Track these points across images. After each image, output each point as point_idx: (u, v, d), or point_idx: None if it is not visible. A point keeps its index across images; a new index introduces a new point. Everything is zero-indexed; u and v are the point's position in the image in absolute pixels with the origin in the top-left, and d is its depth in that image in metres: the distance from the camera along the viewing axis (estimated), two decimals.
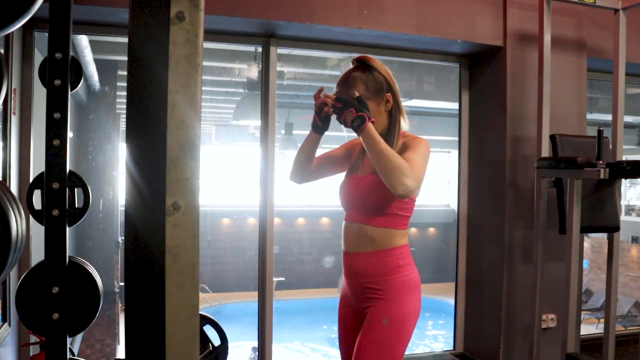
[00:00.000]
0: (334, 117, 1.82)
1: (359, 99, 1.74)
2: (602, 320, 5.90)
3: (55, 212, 1.03)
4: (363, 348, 1.74)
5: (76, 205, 1.08)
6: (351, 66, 1.85)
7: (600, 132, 2.71)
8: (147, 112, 0.75)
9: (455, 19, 3.19)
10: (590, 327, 7.82)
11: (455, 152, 3.78)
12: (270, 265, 3.18)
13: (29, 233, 2.83)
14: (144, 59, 0.75)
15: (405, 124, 1.86)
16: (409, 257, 1.86)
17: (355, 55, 1.87)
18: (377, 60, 1.83)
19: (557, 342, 3.14)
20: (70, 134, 1.06)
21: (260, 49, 3.24)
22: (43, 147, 1.04)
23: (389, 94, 1.80)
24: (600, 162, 2.67)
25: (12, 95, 2.68)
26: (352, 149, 2.00)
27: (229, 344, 1.94)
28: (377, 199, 1.78)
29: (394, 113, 1.82)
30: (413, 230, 11.64)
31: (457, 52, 3.52)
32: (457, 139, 3.68)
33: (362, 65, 1.81)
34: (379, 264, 1.80)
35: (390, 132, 1.82)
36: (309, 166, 1.97)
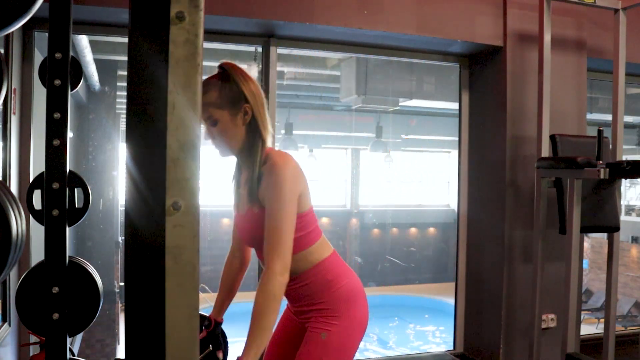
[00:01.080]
0: None
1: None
2: (602, 320, 5.90)
3: (55, 212, 1.03)
4: None
5: (76, 205, 1.08)
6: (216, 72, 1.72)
7: (600, 132, 2.71)
8: (147, 112, 0.75)
9: (455, 19, 3.19)
10: (590, 327, 7.82)
11: (455, 152, 3.79)
12: None
13: (29, 233, 2.83)
14: (144, 59, 0.75)
15: (270, 140, 1.70)
16: (338, 267, 1.75)
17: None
18: (243, 70, 1.68)
19: (557, 342, 3.14)
20: (70, 134, 1.06)
21: (260, 49, 3.24)
22: (43, 147, 1.05)
23: (247, 105, 1.64)
24: (600, 162, 2.67)
25: (12, 95, 2.68)
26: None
27: (229, 344, 1.95)
28: (263, 232, 1.63)
29: (254, 127, 1.65)
30: (413, 230, 11.64)
31: (457, 52, 3.52)
32: (457, 139, 3.68)
33: (221, 71, 1.69)
34: (306, 286, 1.72)
35: (251, 149, 1.66)
36: (243, 257, 1.93)
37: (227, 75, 1.65)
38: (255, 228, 1.67)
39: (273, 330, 1.55)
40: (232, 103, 1.63)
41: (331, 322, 1.69)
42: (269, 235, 1.56)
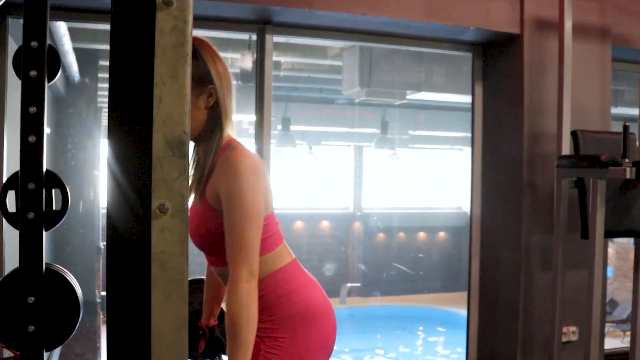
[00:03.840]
0: None
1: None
2: (628, 333, 5.89)
3: (31, 215, 1.03)
4: None
5: (54, 208, 1.08)
6: None
7: (626, 127, 2.71)
8: (131, 105, 0.75)
9: (468, 4, 3.19)
10: (615, 341, 7.82)
11: (467, 150, 3.79)
12: None
13: (2, 238, 2.82)
14: (127, 47, 0.75)
15: (231, 131, 1.64)
16: (294, 279, 1.66)
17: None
18: (213, 48, 1.64)
19: (579, 356, 3.14)
20: (47, 130, 1.06)
21: (254, 37, 3.24)
22: (17, 144, 1.04)
23: (212, 86, 1.59)
24: (626, 160, 2.67)
25: None
26: None
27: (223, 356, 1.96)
28: (206, 235, 1.58)
29: (216, 112, 1.60)
30: (421, 234, 11.65)
31: (470, 41, 3.52)
32: (469, 135, 3.68)
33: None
34: (258, 299, 1.59)
35: (208, 137, 1.59)
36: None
37: (194, 52, 1.57)
38: (198, 226, 1.60)
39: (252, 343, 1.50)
40: (197, 82, 1.56)
41: (280, 345, 1.60)
42: (231, 237, 1.49)
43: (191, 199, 1.62)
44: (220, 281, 1.73)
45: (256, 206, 1.51)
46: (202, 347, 1.90)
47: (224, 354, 1.87)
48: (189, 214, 1.62)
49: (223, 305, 1.95)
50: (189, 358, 1.97)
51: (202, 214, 1.58)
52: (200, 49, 1.60)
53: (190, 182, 1.65)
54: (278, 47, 5.72)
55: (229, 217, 1.50)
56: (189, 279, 2.01)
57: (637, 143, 3.15)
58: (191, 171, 1.65)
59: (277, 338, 1.61)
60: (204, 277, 1.96)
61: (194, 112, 1.56)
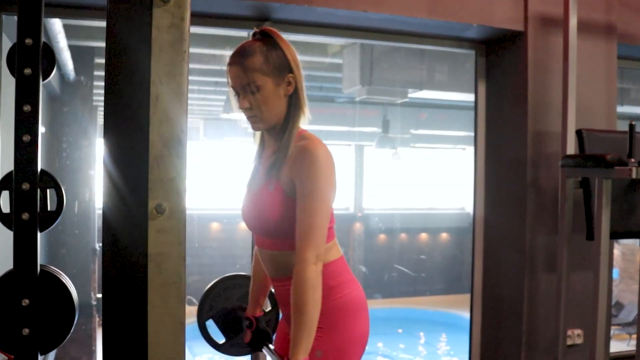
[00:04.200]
0: None
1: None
2: (634, 336, 5.89)
3: (25, 216, 1.03)
4: None
5: (48, 208, 1.08)
6: (251, 38, 1.75)
7: (632, 126, 2.71)
8: (127, 104, 0.75)
9: (471, 1, 3.19)
10: (621, 344, 7.81)
11: (470, 149, 3.78)
12: None
13: None
14: (124, 45, 0.75)
15: (305, 119, 1.73)
16: (344, 274, 1.73)
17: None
18: (285, 39, 1.72)
19: None
20: (42, 129, 1.06)
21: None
22: (11, 143, 1.04)
23: (291, 75, 1.68)
24: (633, 159, 2.67)
25: None
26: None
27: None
28: (271, 217, 1.65)
29: (296, 100, 1.70)
30: (423, 235, 11.64)
31: (473, 38, 3.52)
32: (472, 134, 3.68)
33: (265, 37, 1.71)
34: None
35: (287, 126, 1.69)
36: None
37: (274, 42, 1.69)
38: (264, 208, 1.68)
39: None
40: (278, 71, 1.66)
41: (327, 338, 1.65)
42: (302, 221, 1.58)
43: (257, 183, 1.73)
44: (268, 268, 1.78)
45: (328, 194, 1.62)
46: (248, 338, 1.96)
47: (270, 343, 1.93)
48: (256, 196, 1.70)
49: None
50: (234, 348, 2.07)
51: (272, 197, 1.65)
52: (276, 39, 1.69)
53: (254, 166, 1.79)
54: None
55: (303, 201, 1.59)
56: (227, 275, 2.06)
57: None
58: (261, 160, 1.77)
59: (321, 329, 1.63)
60: (239, 273, 2.07)
61: (275, 100, 1.67)
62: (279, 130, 1.70)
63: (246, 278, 2.07)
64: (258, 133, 1.79)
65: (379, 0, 3.02)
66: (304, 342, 1.53)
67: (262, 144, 1.80)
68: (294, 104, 1.70)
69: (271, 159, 1.69)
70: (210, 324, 2.08)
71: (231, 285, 2.06)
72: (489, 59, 3.59)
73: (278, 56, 1.67)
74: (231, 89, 1.72)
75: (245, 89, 1.66)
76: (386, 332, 8.81)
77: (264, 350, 1.93)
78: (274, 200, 1.65)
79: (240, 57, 1.68)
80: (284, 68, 1.67)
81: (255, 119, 1.69)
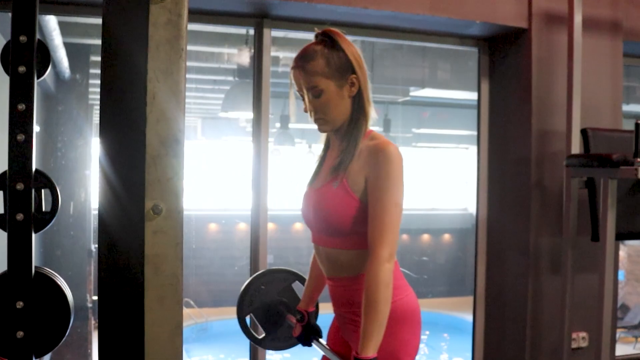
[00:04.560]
0: None
1: None
2: None
3: (20, 217, 1.03)
4: None
5: (43, 209, 1.08)
6: (314, 40, 1.79)
7: (638, 125, 2.71)
8: (123, 103, 0.75)
9: None
10: (627, 347, 7.82)
11: (473, 149, 3.78)
12: None
13: None
14: (120, 42, 0.75)
15: (370, 119, 1.77)
16: (398, 279, 1.73)
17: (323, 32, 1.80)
18: (347, 38, 1.75)
19: None
20: (36, 128, 1.06)
21: (252, 32, 3.24)
22: (5, 143, 1.04)
23: (354, 75, 1.72)
24: (639, 159, 2.67)
25: None
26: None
27: None
28: (334, 215, 1.68)
29: (360, 101, 1.74)
30: (425, 237, 11.64)
31: (476, 35, 3.52)
32: (475, 133, 3.68)
33: (326, 39, 1.75)
34: (354, 291, 1.72)
35: (354, 124, 1.73)
36: None
37: (334, 43, 1.72)
38: (325, 206, 1.71)
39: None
40: (340, 73, 1.70)
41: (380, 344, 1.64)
42: (376, 219, 1.62)
43: (321, 181, 1.78)
44: (324, 266, 1.81)
45: (402, 194, 1.66)
46: (297, 332, 2.00)
47: (320, 337, 1.98)
48: (318, 194, 1.74)
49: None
50: (275, 342, 2.12)
51: (337, 196, 1.69)
52: (338, 39, 1.72)
53: (316, 165, 1.85)
54: (276, 41, 5.73)
55: (378, 201, 1.63)
56: (267, 269, 2.12)
57: None
58: (326, 158, 1.83)
59: None
60: (279, 267, 2.13)
61: (339, 102, 1.71)
62: (345, 131, 1.74)
63: (287, 272, 2.13)
64: (325, 133, 1.84)
65: None
66: (375, 338, 1.56)
67: (328, 143, 1.85)
68: (358, 104, 1.74)
69: (337, 159, 1.72)
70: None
71: (271, 280, 2.11)
72: (492, 56, 3.59)
73: (339, 58, 1.71)
74: (295, 92, 1.77)
75: (309, 92, 1.71)
76: None
77: (314, 345, 1.97)
78: (337, 198, 1.68)
79: (302, 61, 1.72)
80: (346, 69, 1.71)
81: (320, 121, 1.74)
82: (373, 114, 1.76)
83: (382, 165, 1.64)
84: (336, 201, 1.68)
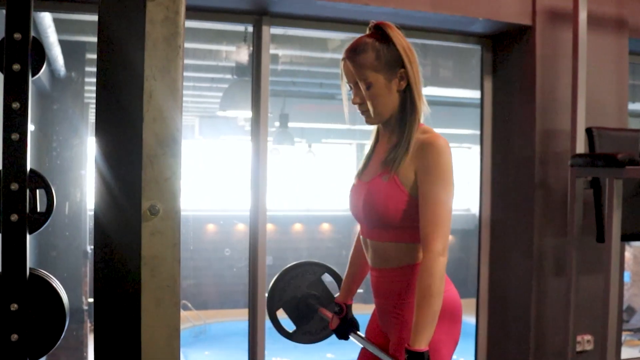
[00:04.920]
0: None
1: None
2: None
3: (14, 218, 1.03)
4: None
5: (38, 210, 1.08)
6: (367, 32, 1.82)
7: None
8: (120, 101, 0.75)
9: None
10: (632, 351, 7.82)
11: (476, 148, 3.78)
12: (263, 278, 3.18)
13: None
14: (116, 40, 0.75)
15: (425, 112, 1.81)
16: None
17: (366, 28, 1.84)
18: (400, 32, 1.78)
19: None
20: (31, 127, 1.06)
21: (251, 29, 3.24)
22: None
23: (404, 70, 1.74)
24: None
25: None
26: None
27: None
28: (383, 209, 1.73)
29: (410, 95, 1.76)
30: None
31: (479, 32, 3.52)
32: (478, 132, 3.68)
33: (378, 32, 1.78)
34: (399, 282, 1.77)
35: (403, 119, 1.76)
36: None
37: (386, 36, 1.75)
38: (374, 198, 1.74)
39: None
40: (389, 67, 1.73)
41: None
42: (429, 213, 1.65)
43: (370, 174, 1.81)
44: (370, 258, 1.85)
45: (452, 187, 1.70)
46: (335, 324, 2.03)
47: (358, 330, 2.00)
48: (367, 186, 1.77)
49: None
50: (306, 336, 2.16)
51: (388, 190, 1.72)
52: (390, 33, 1.75)
53: (365, 158, 1.88)
54: (275, 39, 5.73)
55: (432, 195, 1.66)
56: (295, 263, 2.15)
57: None
58: (374, 152, 1.87)
59: (409, 325, 1.68)
60: (306, 260, 2.18)
61: (387, 96, 1.75)
62: (395, 125, 1.77)
63: (314, 265, 2.17)
64: (375, 126, 1.87)
65: None
66: (427, 331, 1.59)
67: (377, 137, 1.89)
68: (408, 99, 1.76)
69: (389, 152, 1.76)
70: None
71: (300, 273, 2.15)
72: (496, 54, 3.59)
73: (390, 52, 1.74)
74: (345, 84, 1.81)
75: (357, 85, 1.74)
76: None
77: (352, 337, 1.99)
78: (387, 191, 1.71)
79: (352, 53, 1.75)
80: (396, 64, 1.74)
81: (367, 113, 1.77)
82: (425, 109, 1.80)
83: (432, 159, 1.68)
84: (386, 195, 1.71)
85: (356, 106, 1.79)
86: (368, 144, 1.94)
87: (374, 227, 1.79)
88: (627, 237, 2.89)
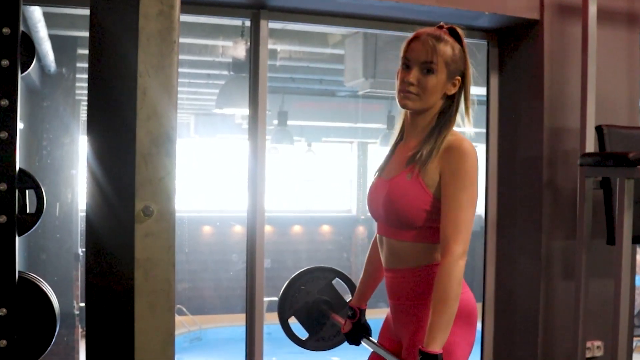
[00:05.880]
0: None
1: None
2: None
3: (3, 219, 1.03)
4: None
5: (27, 211, 1.08)
6: (438, 28, 1.89)
7: None
8: (112, 98, 0.75)
9: None
10: None
11: (482, 147, 3.78)
12: (261, 282, 3.18)
13: None
14: (109, 34, 0.75)
15: (462, 124, 1.89)
16: None
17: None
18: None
19: None
20: (20, 125, 1.06)
21: (248, 23, 3.24)
22: None
23: (459, 78, 1.84)
24: None
25: None
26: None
27: None
28: (404, 207, 1.77)
29: (456, 102, 1.86)
30: None
31: (485, 27, 3.52)
32: (484, 130, 3.68)
33: (453, 35, 1.87)
34: (414, 283, 1.80)
35: (438, 122, 1.83)
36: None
37: (461, 43, 1.86)
38: (396, 196, 1.78)
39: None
40: (453, 70, 1.83)
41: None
42: (451, 215, 1.70)
43: (393, 171, 1.86)
44: (385, 258, 1.88)
45: (476, 190, 1.76)
46: (347, 328, 2.08)
47: (370, 336, 2.05)
48: (388, 184, 1.81)
49: None
50: (319, 343, 2.20)
51: (411, 189, 1.77)
52: (464, 41, 1.87)
53: (388, 154, 1.93)
54: (274, 34, 5.73)
55: (453, 197, 1.72)
56: (305, 269, 2.19)
57: None
58: (398, 147, 1.92)
59: (424, 326, 1.72)
60: (316, 266, 2.23)
61: (437, 92, 1.82)
62: (427, 124, 1.84)
63: (324, 270, 2.21)
64: (399, 123, 1.93)
65: None
66: (442, 333, 1.63)
67: (401, 134, 1.93)
68: (454, 106, 1.86)
69: (416, 151, 1.80)
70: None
71: (310, 279, 2.19)
72: (502, 49, 3.59)
73: (460, 58, 1.84)
74: (402, 59, 1.85)
75: (422, 65, 1.79)
76: None
77: (363, 343, 2.03)
78: (410, 190, 1.76)
79: (434, 38, 1.82)
80: (458, 71, 1.84)
81: (410, 95, 1.80)
82: (459, 120, 1.87)
83: (457, 162, 1.74)
84: (409, 194, 1.76)
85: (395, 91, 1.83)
86: (391, 139, 1.99)
87: (393, 226, 1.82)
88: (638, 240, 2.89)
